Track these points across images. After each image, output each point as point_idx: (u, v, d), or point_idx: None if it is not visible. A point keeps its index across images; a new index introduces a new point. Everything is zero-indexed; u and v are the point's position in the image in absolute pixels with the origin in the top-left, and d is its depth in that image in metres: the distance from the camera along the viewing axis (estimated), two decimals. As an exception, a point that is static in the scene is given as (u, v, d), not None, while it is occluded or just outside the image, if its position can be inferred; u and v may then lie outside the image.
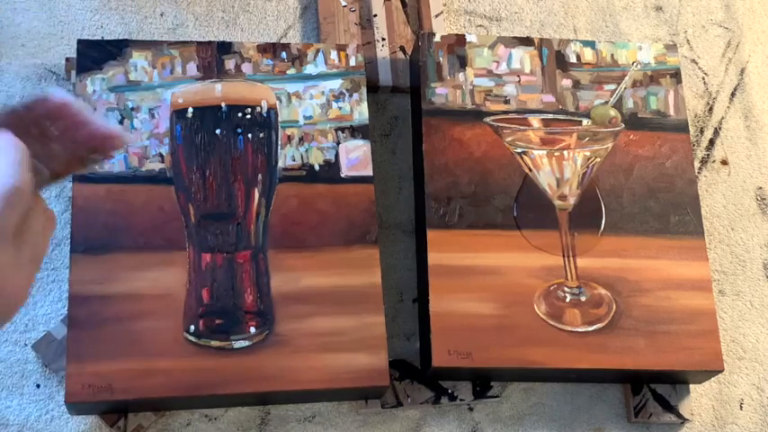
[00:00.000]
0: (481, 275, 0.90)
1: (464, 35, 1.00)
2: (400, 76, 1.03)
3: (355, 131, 0.94)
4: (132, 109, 0.92)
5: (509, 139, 0.95)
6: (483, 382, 0.93)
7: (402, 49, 1.04)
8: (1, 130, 0.46)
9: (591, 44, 1.01)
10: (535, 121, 0.97)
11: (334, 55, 0.97)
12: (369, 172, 0.93)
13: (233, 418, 0.89)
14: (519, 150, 0.95)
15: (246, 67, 0.95)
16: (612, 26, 1.11)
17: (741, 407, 0.97)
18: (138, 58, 0.94)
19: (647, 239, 0.94)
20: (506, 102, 0.98)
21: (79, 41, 0.94)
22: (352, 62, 0.97)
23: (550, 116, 0.98)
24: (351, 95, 0.96)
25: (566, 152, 0.95)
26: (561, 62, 1.00)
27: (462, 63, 0.98)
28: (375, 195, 0.93)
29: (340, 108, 0.95)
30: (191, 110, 0.92)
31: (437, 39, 0.99)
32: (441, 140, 0.95)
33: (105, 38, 1.00)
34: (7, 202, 0.43)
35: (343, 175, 0.93)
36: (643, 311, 0.91)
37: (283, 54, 0.96)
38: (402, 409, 0.91)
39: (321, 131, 0.94)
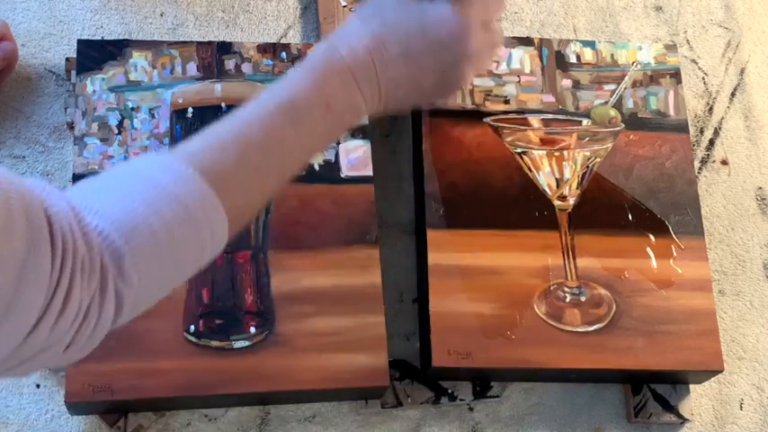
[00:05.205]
0: (481, 275, 0.90)
1: (464, 35, 1.00)
2: (400, 76, 1.03)
3: (355, 131, 0.94)
4: (132, 109, 0.92)
5: (509, 139, 0.95)
6: (483, 382, 0.93)
7: (402, 49, 1.04)
8: None
9: (591, 44, 1.01)
10: (535, 121, 0.97)
11: (334, 55, 0.97)
12: (369, 172, 0.93)
13: (233, 418, 0.89)
14: (519, 150, 0.95)
15: (246, 68, 0.95)
16: (612, 26, 1.11)
17: (741, 407, 0.97)
18: (138, 58, 0.94)
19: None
20: (506, 102, 0.98)
21: (79, 41, 0.94)
22: (352, 62, 0.97)
23: (550, 116, 0.98)
24: (351, 95, 0.95)
25: (565, 152, 0.95)
26: (561, 62, 1.00)
27: (462, 63, 0.98)
28: (375, 195, 0.93)
29: (340, 108, 0.95)
30: (191, 110, 0.92)
31: (437, 39, 0.99)
32: (441, 140, 0.95)
33: (105, 38, 1.00)
34: None
35: (343, 175, 0.93)
36: (643, 311, 0.91)
37: (283, 54, 0.96)
38: (402, 409, 0.91)
39: (321, 131, 0.94)
